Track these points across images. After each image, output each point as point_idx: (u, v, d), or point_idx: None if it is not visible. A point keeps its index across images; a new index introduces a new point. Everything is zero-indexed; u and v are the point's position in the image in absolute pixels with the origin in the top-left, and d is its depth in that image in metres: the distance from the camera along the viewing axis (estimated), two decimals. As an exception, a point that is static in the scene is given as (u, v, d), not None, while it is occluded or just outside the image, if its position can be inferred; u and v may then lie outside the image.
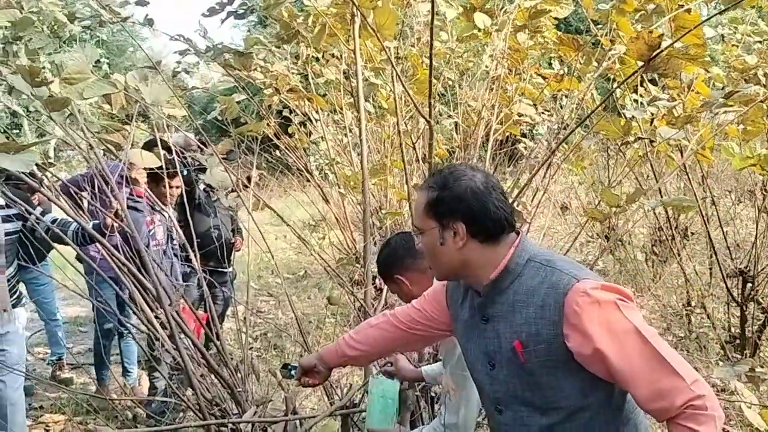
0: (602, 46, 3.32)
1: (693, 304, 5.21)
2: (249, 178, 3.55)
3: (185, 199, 4.06)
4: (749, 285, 4.55)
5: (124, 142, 2.86)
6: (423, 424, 2.57)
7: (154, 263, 2.46)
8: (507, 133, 4.27)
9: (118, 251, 2.39)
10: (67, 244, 2.96)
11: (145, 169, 3.64)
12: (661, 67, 2.34)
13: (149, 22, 3.08)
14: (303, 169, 4.72)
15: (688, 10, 2.46)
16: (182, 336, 2.39)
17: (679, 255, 5.20)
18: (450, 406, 2.16)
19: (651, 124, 3.25)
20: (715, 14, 3.00)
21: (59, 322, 5.11)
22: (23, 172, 2.14)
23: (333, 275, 3.36)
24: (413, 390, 2.46)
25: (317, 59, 4.46)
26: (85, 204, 3.33)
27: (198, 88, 3.98)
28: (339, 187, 4.87)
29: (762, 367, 3.56)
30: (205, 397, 2.39)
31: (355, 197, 4.77)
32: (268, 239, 3.02)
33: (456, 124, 4.65)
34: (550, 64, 4.55)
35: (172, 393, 2.97)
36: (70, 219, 2.97)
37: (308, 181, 4.72)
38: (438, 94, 4.82)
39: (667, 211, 5.22)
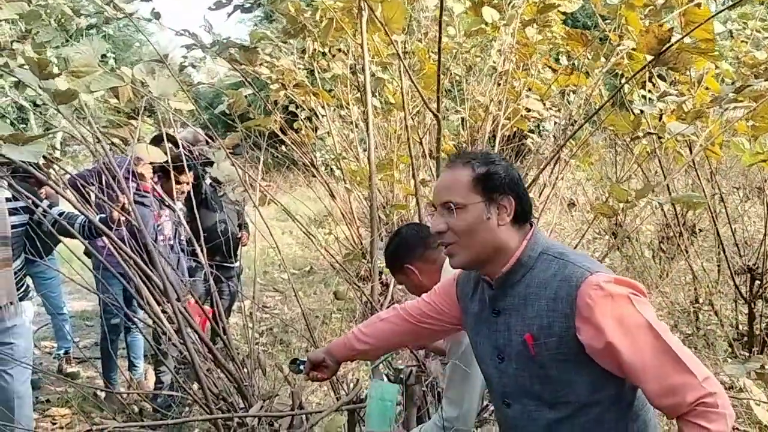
0: (610, 41, 3.30)
1: (701, 301, 5.19)
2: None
3: (192, 194, 4.06)
4: (757, 282, 4.53)
5: (130, 137, 2.86)
6: (430, 419, 2.57)
7: (161, 257, 2.46)
8: (514, 129, 4.26)
9: (125, 245, 2.39)
10: (74, 237, 2.97)
11: (153, 164, 3.64)
12: (671, 61, 2.33)
13: (156, 15, 3.07)
14: (309, 165, 4.71)
15: (698, 5, 2.44)
16: (189, 330, 2.39)
17: (686, 252, 5.17)
18: (446, 397, 2.15)
19: (660, 120, 3.24)
20: (724, 9, 2.98)
21: (66, 316, 5.13)
22: (31, 165, 2.14)
23: (340, 270, 3.35)
24: (420, 386, 2.45)
25: (324, 54, 4.46)
26: (93, 198, 3.34)
27: (204, 84, 3.98)
28: (345, 183, 4.86)
29: (770, 364, 3.54)
30: (211, 391, 2.38)
31: (361, 193, 4.77)
32: (274, 235, 3.01)
33: (463, 119, 4.63)
34: (557, 59, 4.53)
35: (179, 387, 2.97)
36: (77, 212, 2.97)
37: (314, 176, 4.71)
38: (445, 90, 4.80)
39: (675, 208, 5.19)
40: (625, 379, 1.44)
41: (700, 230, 6.26)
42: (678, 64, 2.40)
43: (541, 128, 5.06)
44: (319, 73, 4.41)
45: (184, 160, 3.09)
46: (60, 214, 3.20)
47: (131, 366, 4.61)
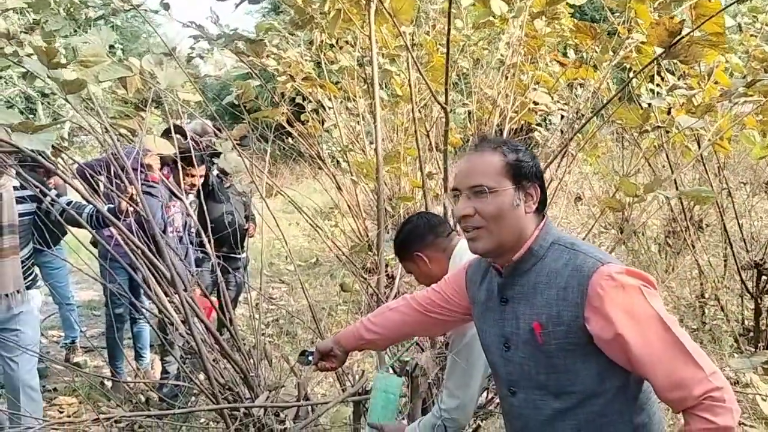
0: (619, 34, 3.28)
1: (707, 296, 5.17)
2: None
3: (199, 185, 4.08)
4: (764, 277, 4.52)
5: (138, 128, 2.87)
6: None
7: (169, 248, 2.46)
8: (522, 122, 4.24)
9: (133, 235, 2.40)
10: (81, 227, 2.98)
11: (165, 156, 3.65)
12: (682, 54, 2.31)
13: (165, 6, 3.07)
14: (316, 157, 4.71)
15: (709, -2, 2.42)
16: (196, 321, 2.40)
17: (693, 247, 5.16)
18: (446, 388, 2.16)
19: (668, 114, 3.22)
20: (735, 2, 2.96)
21: (73, 305, 5.15)
22: (40, 154, 2.14)
23: (346, 263, 3.35)
24: (425, 378, 2.45)
25: (331, 46, 4.44)
26: (101, 188, 3.35)
27: (211, 76, 3.98)
28: (351, 175, 4.86)
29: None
30: (218, 381, 2.39)
31: (368, 185, 4.76)
32: (281, 226, 3.01)
33: (470, 112, 4.62)
34: (565, 53, 4.51)
35: (185, 377, 2.98)
36: (85, 202, 2.98)
37: (321, 168, 4.70)
38: (452, 83, 4.79)
39: (681, 203, 5.17)
40: (632, 371, 1.44)
41: (707, 225, 6.24)
42: (688, 57, 2.39)
43: (548, 122, 5.04)
44: (326, 64, 4.39)
45: (194, 153, 3.10)
46: (68, 204, 3.21)
47: (138, 356, 4.63)
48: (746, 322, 4.78)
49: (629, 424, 1.50)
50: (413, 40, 4.18)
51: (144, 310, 3.72)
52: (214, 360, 2.47)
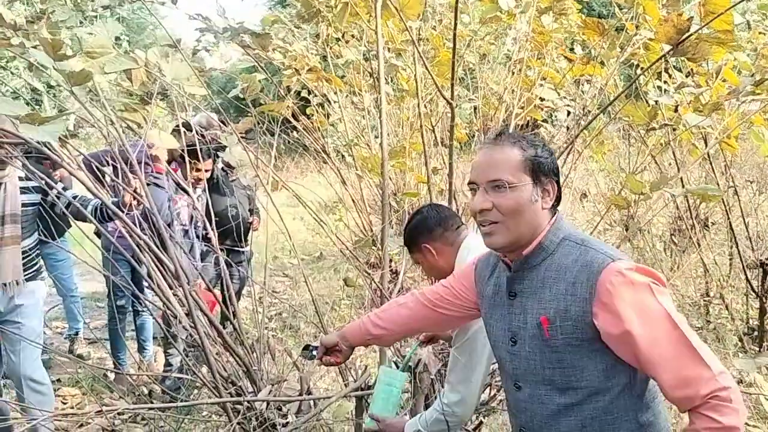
0: (627, 30, 3.26)
1: (711, 294, 5.16)
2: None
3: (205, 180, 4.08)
4: (770, 277, 4.51)
5: (143, 121, 2.86)
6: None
7: (173, 241, 2.46)
8: (528, 118, 4.23)
9: (138, 227, 2.39)
10: (86, 221, 2.98)
11: (173, 151, 3.65)
12: (690, 51, 2.30)
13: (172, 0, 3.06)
14: (320, 151, 4.70)
15: (719, -6, 2.40)
16: (199, 314, 2.40)
17: (698, 245, 5.14)
18: (448, 382, 2.15)
19: (675, 111, 3.20)
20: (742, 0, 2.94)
21: (77, 297, 5.17)
22: (46, 146, 2.14)
23: (349, 257, 3.35)
24: (428, 373, 2.45)
25: (337, 40, 4.43)
26: (107, 179, 3.36)
27: (216, 69, 3.97)
28: (356, 170, 4.85)
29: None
30: (220, 374, 2.39)
31: (372, 180, 4.75)
32: (285, 220, 3.01)
33: (475, 107, 4.60)
34: (572, 49, 4.49)
35: (188, 370, 2.98)
36: (90, 196, 2.98)
37: (325, 162, 4.70)
38: (458, 78, 4.77)
39: (687, 201, 5.16)
40: (639, 368, 1.44)
41: (713, 223, 6.22)
42: (696, 54, 2.37)
43: (554, 118, 5.02)
44: (331, 58, 4.38)
45: (200, 148, 3.10)
46: (74, 197, 3.21)
47: (141, 348, 4.64)
48: (751, 321, 4.77)
49: (634, 422, 1.50)
50: (419, 34, 4.17)
51: (147, 302, 3.73)
52: (217, 353, 2.47)
